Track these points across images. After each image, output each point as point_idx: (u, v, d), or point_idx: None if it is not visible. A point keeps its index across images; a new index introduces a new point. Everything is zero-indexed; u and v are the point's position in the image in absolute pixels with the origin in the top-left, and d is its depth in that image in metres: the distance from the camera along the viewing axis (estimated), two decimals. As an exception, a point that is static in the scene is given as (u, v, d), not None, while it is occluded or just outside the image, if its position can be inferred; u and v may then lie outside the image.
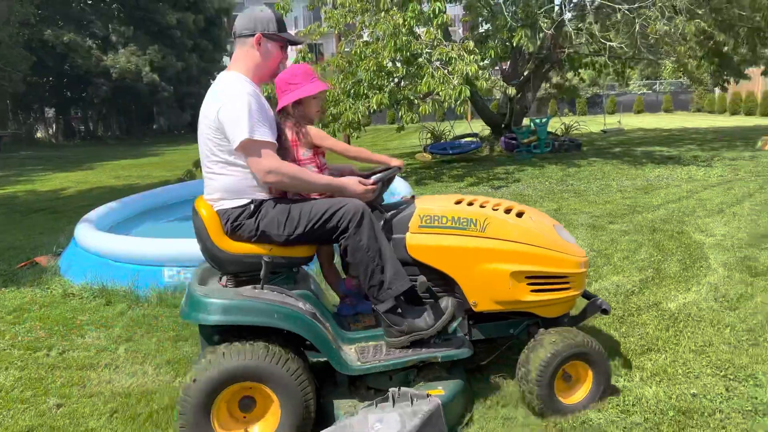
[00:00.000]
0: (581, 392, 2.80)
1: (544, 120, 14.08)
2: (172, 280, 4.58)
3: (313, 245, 2.75)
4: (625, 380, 3.02)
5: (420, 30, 10.34)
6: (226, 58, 37.21)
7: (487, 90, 10.78)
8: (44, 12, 26.34)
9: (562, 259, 2.81)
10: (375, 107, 9.66)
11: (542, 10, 11.50)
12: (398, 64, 10.25)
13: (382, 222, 2.75)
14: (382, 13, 9.87)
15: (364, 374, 2.61)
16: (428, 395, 2.49)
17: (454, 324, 2.81)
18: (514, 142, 13.93)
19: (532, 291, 2.79)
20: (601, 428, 2.61)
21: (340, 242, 2.61)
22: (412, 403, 2.44)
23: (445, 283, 2.82)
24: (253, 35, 2.61)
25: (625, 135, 18.92)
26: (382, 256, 2.59)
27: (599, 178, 9.75)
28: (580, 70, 16.37)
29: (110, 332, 3.93)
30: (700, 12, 11.73)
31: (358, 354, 2.65)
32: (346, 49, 11.21)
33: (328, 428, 2.39)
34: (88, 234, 5.25)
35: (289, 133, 2.81)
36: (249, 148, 2.48)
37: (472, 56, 9.49)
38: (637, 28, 11.38)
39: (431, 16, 9.76)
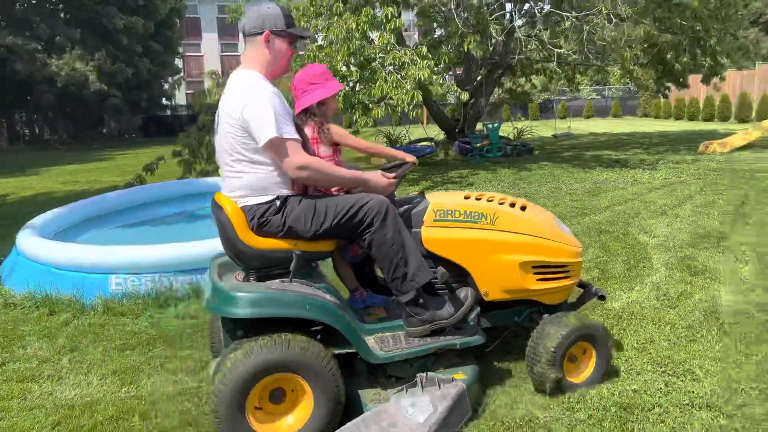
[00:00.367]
0: (586, 371, 3.02)
1: (495, 125, 14.33)
2: (120, 288, 4.47)
3: (335, 240, 2.81)
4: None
5: (374, 35, 10.39)
6: (178, 61, 36.67)
7: (442, 95, 10.90)
8: (-15, 13, 25.32)
9: (563, 249, 3.04)
10: (329, 111, 9.63)
11: (493, 17, 11.71)
12: (352, 68, 10.27)
13: None
14: (336, 18, 9.88)
15: (384, 363, 2.71)
16: (453, 379, 2.66)
17: (473, 313, 2.93)
18: (467, 146, 14.12)
19: (538, 280, 3.00)
20: (548, 426, 2.67)
21: (364, 236, 2.69)
22: (439, 386, 2.60)
23: (458, 274, 2.96)
24: (261, 33, 2.65)
25: (576, 139, 19.42)
26: (405, 250, 2.70)
27: (550, 181, 9.98)
28: (532, 77, 16.75)
29: (53, 343, 3.81)
30: (644, 21, 12.15)
31: (378, 344, 2.75)
32: (300, 53, 11.16)
33: (364, 414, 2.50)
34: (30, 241, 5.07)
35: (309, 131, 2.88)
36: (277, 146, 2.54)
37: (425, 61, 9.59)
38: (585, 35, 11.71)
39: (384, 21, 9.82)
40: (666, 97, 19.41)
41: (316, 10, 10.35)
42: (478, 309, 2.95)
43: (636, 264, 5.04)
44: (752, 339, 3.49)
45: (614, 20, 11.16)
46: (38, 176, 14.79)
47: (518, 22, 13.01)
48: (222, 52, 43.98)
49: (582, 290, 3.35)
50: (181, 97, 40.15)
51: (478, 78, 14.62)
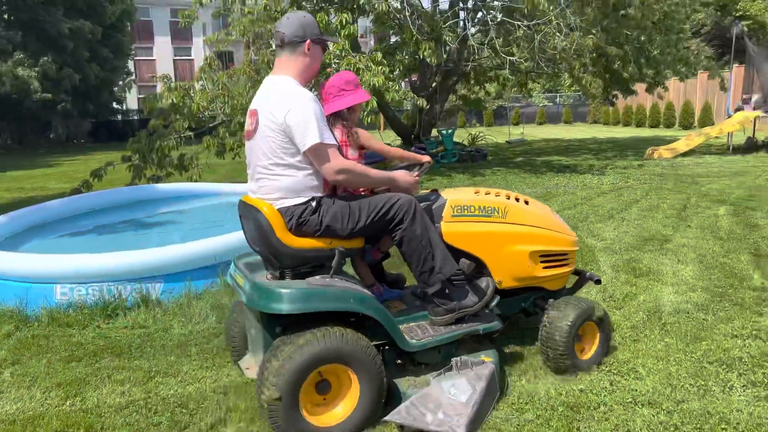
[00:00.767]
0: (591, 350, 3.29)
1: (450, 131, 14.53)
2: (65, 297, 4.34)
3: (363, 238, 2.94)
4: (521, 379, 3.16)
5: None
6: (130, 64, 35.81)
7: (399, 101, 10.99)
8: None
9: (564, 239, 3.34)
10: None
11: (446, 25, 11.88)
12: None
13: None
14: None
15: (414, 351, 2.86)
16: (483, 361, 2.86)
17: (494, 301, 3.10)
18: (423, 152, 14.24)
19: (544, 268, 3.27)
20: (497, 426, 2.72)
21: (395, 233, 2.85)
22: (472, 368, 2.81)
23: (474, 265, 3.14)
24: (303, 41, 2.77)
25: (529, 145, 19.84)
26: (432, 244, 2.88)
27: (503, 186, 10.16)
28: (485, 84, 17.03)
29: (-6, 356, 3.67)
30: (593, 31, 12.54)
31: (407, 334, 2.88)
32: (255, 58, 11.07)
33: (411, 398, 2.66)
34: (-31, 251, 4.87)
35: (338, 134, 3.02)
36: (319, 151, 2.66)
37: (379, 67, 9.65)
38: (537, 43, 12.00)
39: (338, 27, 9.84)
40: (614, 104, 20.05)
41: (269, 14, 10.29)
42: (498, 297, 3.15)
43: (584, 267, 5.17)
44: (691, 337, 3.64)
45: (564, 30, 11.48)
46: (-21, 183, 14.21)
47: (471, 30, 13.23)
48: (175, 56, 43.20)
49: (577, 276, 3.66)
50: (133, 102, 39.24)
51: (433, 85, 14.79)
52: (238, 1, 11.12)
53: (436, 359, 2.95)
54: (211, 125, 10.64)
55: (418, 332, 2.92)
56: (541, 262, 3.24)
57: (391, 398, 2.77)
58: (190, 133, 9.86)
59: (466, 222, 3.11)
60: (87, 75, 27.73)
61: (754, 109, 15.28)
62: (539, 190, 9.58)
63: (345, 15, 9.85)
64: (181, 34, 41.55)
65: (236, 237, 4.96)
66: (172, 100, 9.55)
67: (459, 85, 16.63)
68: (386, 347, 2.92)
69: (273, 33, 2.85)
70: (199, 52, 41.87)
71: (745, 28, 26.15)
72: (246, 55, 11.30)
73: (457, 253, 3.05)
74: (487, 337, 3.17)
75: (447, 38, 11.56)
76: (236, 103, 9.71)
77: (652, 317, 3.99)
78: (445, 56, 12.43)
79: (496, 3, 13.14)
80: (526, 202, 3.32)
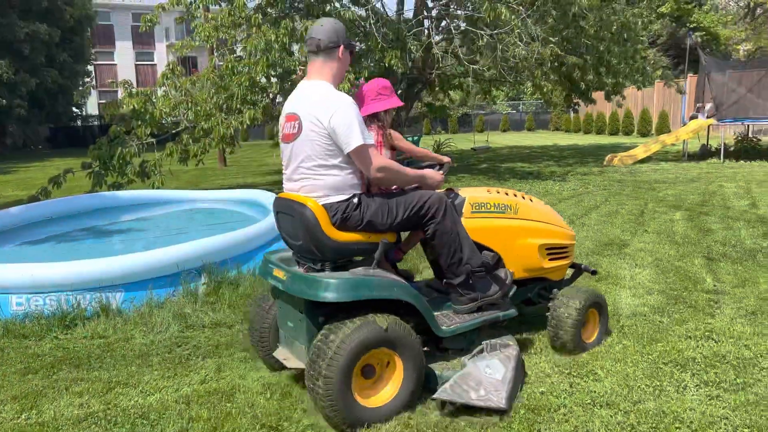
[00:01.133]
0: (594, 334, 3.64)
1: (416, 138, 14.64)
2: (21, 308, 4.22)
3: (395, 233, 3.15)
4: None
5: (295, 47, 10.38)
6: (90, 69, 35.04)
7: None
8: None
9: (565, 233, 3.70)
10: (248, 122, 9.54)
11: (411, 33, 11.98)
12: (273, 80, 10.20)
13: None
14: (254, 29, 9.80)
15: (444, 337, 3.06)
16: (509, 344, 3.11)
17: (512, 290, 3.35)
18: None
19: (550, 259, 3.61)
20: (461, 429, 2.76)
21: (428, 227, 3.05)
22: (500, 350, 3.06)
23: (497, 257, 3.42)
24: (337, 47, 2.94)
25: (493, 152, 20.11)
26: (461, 238, 3.10)
27: (467, 193, 10.28)
28: (450, 91, 17.21)
29: (-55, 369, 3.55)
30: (553, 40, 12.81)
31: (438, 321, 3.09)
32: (219, 63, 10.98)
33: (453, 378, 2.88)
34: None
35: (374, 134, 3.21)
36: (362, 152, 2.84)
37: (345, 74, 9.66)
38: (499, 52, 12.20)
39: (304, 34, 9.83)
40: (575, 112, 20.50)
41: (233, 20, 10.22)
42: (515, 287, 3.39)
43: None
44: (648, 339, 3.74)
45: (526, 39, 11.70)
46: (-70, 190, 13.71)
47: (436, 38, 13.38)
48: (137, 60, 42.45)
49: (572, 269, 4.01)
50: (93, 107, 38.40)
51: (399, 92, 14.88)
52: (201, 7, 11.00)
53: (462, 344, 3.17)
54: (174, 131, 10.49)
55: (445, 320, 3.12)
56: (548, 254, 3.58)
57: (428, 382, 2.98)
58: (153, 140, 9.69)
59: (483, 218, 3.35)
60: (44, 80, 27.00)
61: (708, 117, 15.81)
62: (503, 197, 9.71)
63: (310, 22, 9.85)
64: (143, 39, 40.89)
65: (199, 245, 4.92)
66: (134, 106, 9.38)
67: (424, 92, 16.78)
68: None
69: (308, 40, 2.98)
70: (161, 57, 41.24)
71: (699, 39, 27.09)
72: (210, 61, 11.20)
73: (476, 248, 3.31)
74: (492, 327, 3.36)
75: (412, 46, 11.66)
76: (200, 109, 9.60)
77: (610, 320, 4.08)
78: (410, 64, 12.53)
79: (459, 12, 13.33)
80: (531, 200, 3.62)
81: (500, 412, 2.84)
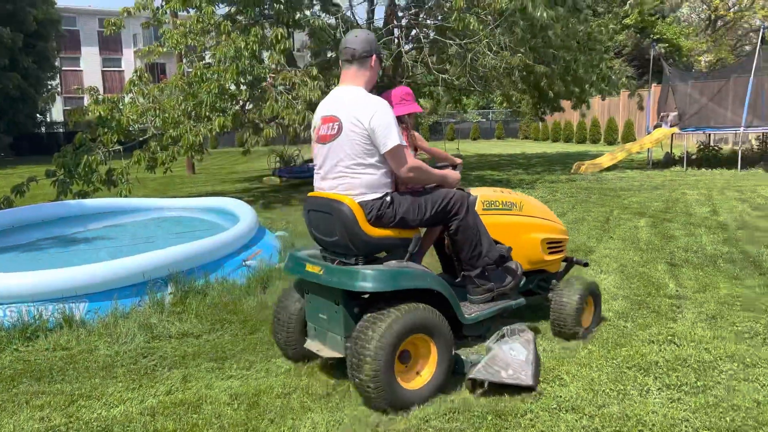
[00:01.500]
0: (590, 319, 3.95)
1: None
2: (-19, 320, 4.11)
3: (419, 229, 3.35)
4: (454, 391, 3.22)
5: (265, 54, 10.35)
6: (55, 75, 34.28)
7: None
8: None
9: (561, 229, 4.06)
10: (218, 130, 9.46)
11: (381, 42, 12.05)
12: (243, 87, 10.15)
13: None
14: (224, 36, 9.74)
15: (467, 324, 3.28)
16: (526, 328, 3.34)
17: (522, 281, 3.61)
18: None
19: (550, 253, 3.93)
20: (429, 436, 2.77)
21: (452, 223, 3.28)
22: (519, 335, 3.28)
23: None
24: (370, 56, 3.17)
25: (463, 160, 20.29)
26: (480, 233, 3.35)
27: (438, 200, 10.34)
28: (420, 100, 17.30)
29: None
30: (521, 50, 13.02)
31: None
32: (188, 70, 10.88)
33: (483, 360, 3.13)
34: None
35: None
36: (397, 152, 3.05)
37: (315, 82, 9.67)
38: (469, 61, 12.35)
39: (273, 41, 9.81)
40: (543, 120, 20.81)
41: (202, 26, 10.14)
42: (525, 278, 3.63)
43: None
44: (612, 344, 3.81)
45: (494, 48, 11.87)
46: None
47: (406, 47, 13.47)
48: (104, 66, 41.80)
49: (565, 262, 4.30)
50: (58, 114, 37.62)
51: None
52: (169, 13, 10.90)
53: (480, 331, 3.41)
54: (141, 139, 10.34)
55: (465, 309, 3.34)
56: (548, 248, 3.88)
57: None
58: (119, 147, 9.54)
59: (493, 215, 3.62)
60: (5, 85, 26.34)
61: (671, 126, 16.22)
62: (472, 204, 9.80)
63: (280, 30, 9.84)
64: (110, 45, 40.32)
65: (166, 253, 4.85)
66: (100, 113, 9.23)
67: (394, 100, 16.84)
68: None
69: (343, 49, 3.16)
70: (129, 63, 40.68)
71: (662, 50, 27.80)
72: (179, 68, 11.08)
73: None
74: (500, 316, 3.57)
75: (382, 55, 11.72)
76: (168, 116, 9.48)
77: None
78: (380, 72, 12.60)
79: (429, 21, 13.46)
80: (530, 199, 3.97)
81: (529, 389, 3.10)
